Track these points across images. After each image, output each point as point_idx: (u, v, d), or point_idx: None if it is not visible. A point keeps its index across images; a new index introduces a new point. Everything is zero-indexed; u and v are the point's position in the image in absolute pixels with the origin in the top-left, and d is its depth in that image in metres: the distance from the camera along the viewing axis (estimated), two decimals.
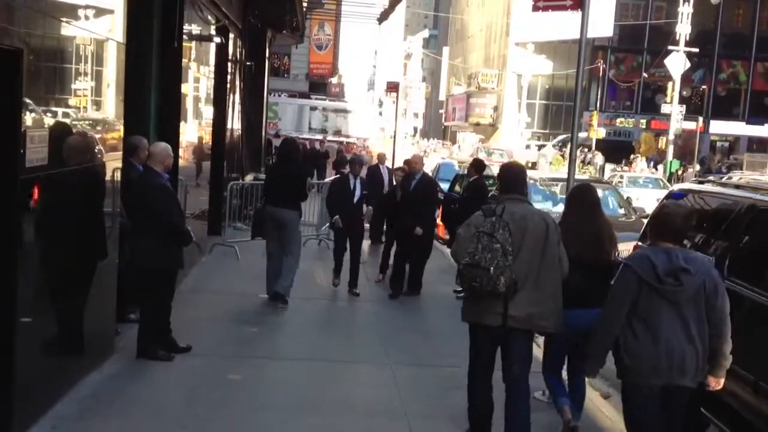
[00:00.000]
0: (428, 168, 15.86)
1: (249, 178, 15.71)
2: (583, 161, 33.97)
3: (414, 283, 10.25)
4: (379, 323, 8.66)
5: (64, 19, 5.49)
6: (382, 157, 14.71)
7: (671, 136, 36.44)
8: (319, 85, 43.94)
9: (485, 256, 4.70)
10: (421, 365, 7.19)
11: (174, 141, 8.53)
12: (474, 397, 5.16)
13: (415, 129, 77.23)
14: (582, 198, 5.70)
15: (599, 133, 41.27)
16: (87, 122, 6.23)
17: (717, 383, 4.46)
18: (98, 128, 6.46)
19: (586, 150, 37.81)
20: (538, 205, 12.04)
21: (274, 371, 6.79)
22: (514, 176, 5.23)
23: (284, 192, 8.89)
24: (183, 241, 6.69)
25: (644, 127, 48.30)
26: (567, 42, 41.57)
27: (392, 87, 27.95)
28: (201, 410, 5.76)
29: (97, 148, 6.26)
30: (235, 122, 14.64)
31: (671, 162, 35.10)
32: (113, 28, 6.63)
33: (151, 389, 6.07)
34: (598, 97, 50.22)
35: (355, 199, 9.76)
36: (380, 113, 54.76)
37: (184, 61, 9.84)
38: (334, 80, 45.20)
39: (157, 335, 6.75)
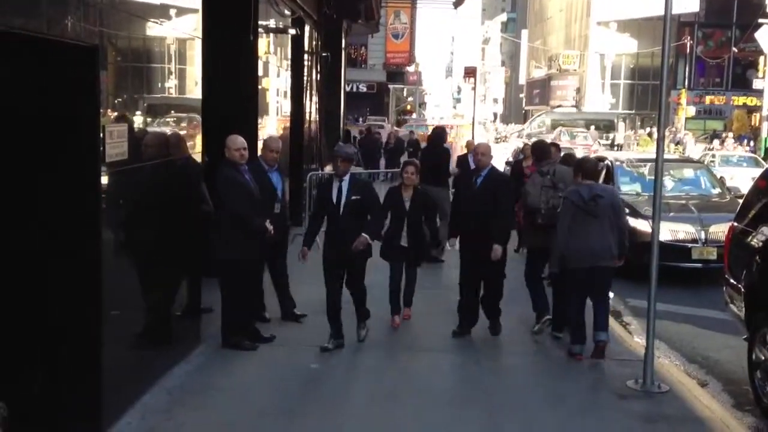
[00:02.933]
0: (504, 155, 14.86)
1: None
2: (674, 142, 32.79)
3: (490, 315, 7.48)
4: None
5: (140, 15, 5.55)
6: (471, 146, 13.04)
7: (765, 113, 34.74)
8: (396, 75, 43.79)
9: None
10: None
11: (252, 133, 8.60)
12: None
13: (495, 115, 76.31)
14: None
15: (688, 111, 39.78)
16: (166, 117, 6.31)
17: (619, 262, 6.85)
18: (177, 122, 6.54)
19: (674, 129, 36.51)
20: (625, 188, 11.79)
21: (356, 360, 6.75)
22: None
23: (433, 172, 10.43)
24: (254, 233, 6.65)
25: (736, 104, 46.26)
26: (652, 19, 40.16)
27: (470, 72, 27.61)
28: (285, 400, 5.76)
29: (176, 142, 6.34)
30: (312, 113, 14.71)
31: (766, 139, 33.49)
32: (190, 23, 6.68)
33: (236, 379, 6.11)
34: (686, 74, 48.36)
35: (341, 209, 6.68)
36: (458, 100, 54.26)
37: (261, 53, 9.90)
38: (411, 69, 44.98)
39: (241, 326, 6.80)
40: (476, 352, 7.08)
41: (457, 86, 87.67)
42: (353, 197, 6.66)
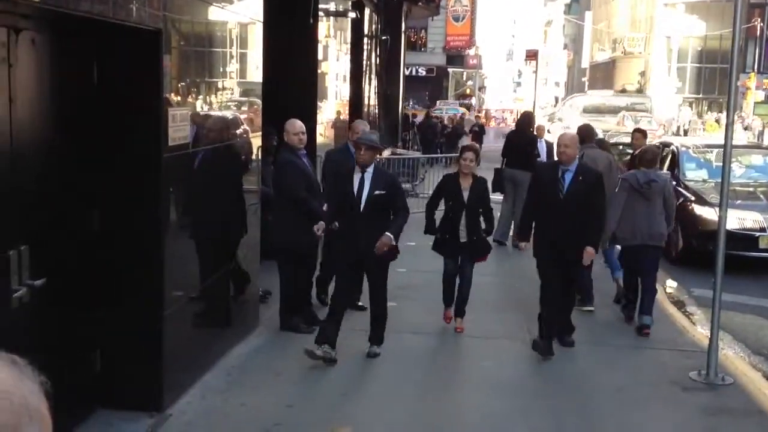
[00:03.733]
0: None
1: (386, 153, 15.75)
2: (742, 127, 31.74)
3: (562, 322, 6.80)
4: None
5: (205, 0, 5.60)
6: (542, 131, 13.39)
7: None
8: (456, 58, 43.44)
9: None
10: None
11: (311, 118, 8.63)
12: None
13: (556, 99, 75.08)
14: None
15: (757, 96, 38.42)
16: (228, 101, 6.37)
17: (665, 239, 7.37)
18: (237, 106, 6.60)
19: (743, 115, 35.33)
20: (690, 174, 11.46)
21: (415, 345, 6.73)
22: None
23: (519, 156, 10.83)
24: (311, 217, 6.66)
25: None
26: (721, 0, 38.83)
27: (531, 55, 27.23)
28: (341, 382, 5.80)
29: (238, 126, 6.40)
30: (371, 97, 14.69)
31: None
32: (252, 7, 6.72)
33: (293, 362, 6.17)
34: (756, 58, 46.65)
35: (362, 205, 6.00)
36: (518, 83, 53.55)
37: (321, 37, 9.91)
38: (471, 52, 44.53)
39: (298, 308, 6.86)
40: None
41: (518, 70, 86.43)
42: (377, 192, 5.91)
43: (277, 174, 6.74)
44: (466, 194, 6.87)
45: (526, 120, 12.19)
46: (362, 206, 5.93)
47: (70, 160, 4.41)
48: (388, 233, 5.92)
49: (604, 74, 64.12)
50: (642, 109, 34.13)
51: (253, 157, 6.77)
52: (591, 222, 6.41)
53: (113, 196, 4.71)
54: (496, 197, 9.98)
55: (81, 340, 4.64)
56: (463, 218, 6.85)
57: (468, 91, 51.15)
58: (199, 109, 5.53)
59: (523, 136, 11.52)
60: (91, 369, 4.78)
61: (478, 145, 8.18)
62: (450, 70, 44.77)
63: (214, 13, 5.85)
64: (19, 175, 3.85)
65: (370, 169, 5.95)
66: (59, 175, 4.32)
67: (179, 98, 5.11)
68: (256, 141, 6.86)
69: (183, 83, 5.26)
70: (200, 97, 5.66)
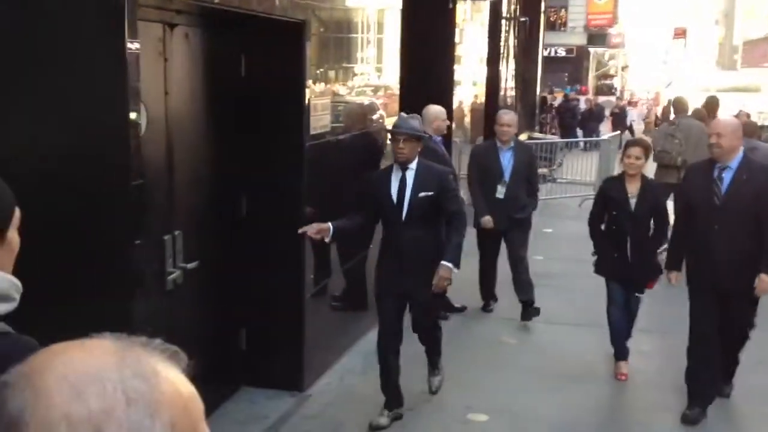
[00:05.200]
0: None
1: (523, 137, 15.46)
2: None
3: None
4: None
5: None
6: (713, 108, 9.62)
7: None
8: (597, 37, 41.93)
9: None
10: None
11: (448, 103, 8.58)
12: None
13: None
14: None
15: None
16: (365, 88, 6.46)
17: None
18: (375, 93, 6.68)
19: None
20: None
21: (551, 336, 6.61)
22: None
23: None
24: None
25: None
26: None
27: (680, 33, 25.76)
28: (476, 371, 5.78)
29: (375, 112, 6.48)
30: (508, 81, 14.45)
31: None
32: None
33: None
34: None
35: (404, 212, 4.66)
36: (665, 62, 51.04)
37: (459, 21, 9.83)
38: (614, 31, 42.87)
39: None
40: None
41: (665, 48, 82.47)
42: (422, 194, 4.61)
43: None
44: (633, 202, 5.48)
45: (709, 106, 9.73)
46: (404, 214, 4.64)
47: (219, 149, 4.62)
48: (445, 263, 4.56)
49: (759, 51, 59.95)
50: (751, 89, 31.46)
51: (388, 143, 6.83)
52: (765, 237, 4.72)
53: (258, 183, 4.89)
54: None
55: (228, 321, 4.87)
56: (629, 231, 5.50)
57: (612, 71, 49.32)
58: (338, 97, 5.63)
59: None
60: (236, 348, 5.01)
61: (647, 139, 6.12)
62: (591, 49, 43.27)
63: (354, 2, 5.92)
64: (174, 164, 4.06)
65: (413, 166, 4.65)
66: (210, 164, 4.53)
67: (320, 87, 5.23)
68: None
69: (324, 72, 5.38)
70: (340, 85, 5.77)
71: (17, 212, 1.55)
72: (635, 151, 5.52)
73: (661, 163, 8.88)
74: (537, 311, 6.78)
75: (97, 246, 2.63)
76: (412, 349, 5.13)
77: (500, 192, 6.75)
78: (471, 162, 7.13)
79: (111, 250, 2.66)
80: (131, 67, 2.69)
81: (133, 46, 2.73)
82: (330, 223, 4.49)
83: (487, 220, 6.79)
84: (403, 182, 4.64)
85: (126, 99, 2.64)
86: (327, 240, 4.51)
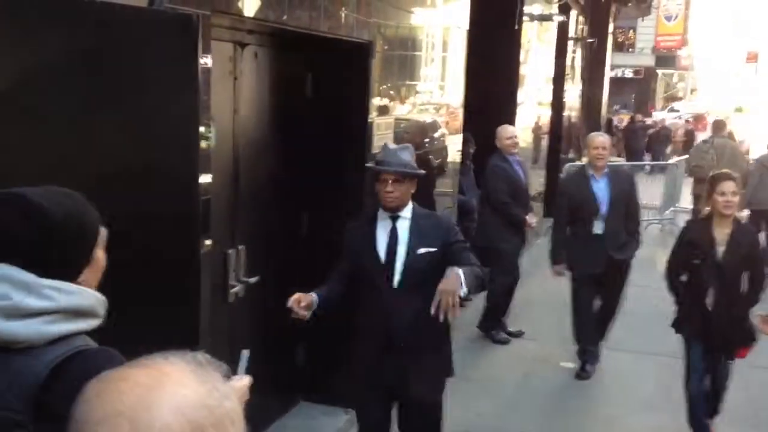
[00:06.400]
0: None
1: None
2: None
3: None
4: None
5: (410, 9, 5.74)
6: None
7: None
8: (666, 59, 41.21)
9: None
10: None
11: (511, 123, 8.54)
12: None
13: None
14: None
15: None
16: (428, 107, 6.48)
17: None
18: (438, 111, 6.70)
19: None
20: None
21: (611, 363, 6.48)
22: None
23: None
24: (512, 223, 6.68)
25: None
26: None
27: (752, 57, 25.10)
28: (533, 394, 5.72)
29: (436, 131, 6.50)
30: (573, 101, 14.32)
31: None
32: (457, 14, 6.79)
33: (485, 368, 6.18)
34: None
35: (396, 277, 3.53)
36: (734, 86, 49.78)
37: (524, 42, 9.80)
38: (683, 53, 42.05)
39: (494, 314, 6.86)
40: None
41: (736, 72, 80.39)
42: (421, 250, 3.48)
43: (484, 178, 6.83)
44: (721, 250, 4.57)
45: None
46: (397, 278, 3.48)
47: (283, 167, 4.69)
48: (458, 269, 3.28)
49: None
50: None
51: (449, 161, 6.86)
52: None
53: (320, 201, 4.95)
54: None
55: (287, 335, 4.92)
56: (714, 286, 4.59)
57: (680, 94, 48.35)
58: (401, 116, 5.67)
59: None
60: (295, 363, 5.06)
61: (734, 173, 4.62)
62: (659, 71, 42.53)
63: (420, 23, 5.97)
64: (239, 180, 4.15)
65: (405, 213, 3.54)
66: (273, 181, 4.61)
67: (383, 106, 5.27)
68: (455, 146, 6.94)
69: (387, 90, 5.42)
70: (402, 104, 5.80)
71: (103, 231, 1.62)
72: (729, 186, 4.53)
73: (696, 176, 10.36)
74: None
75: (163, 258, 2.71)
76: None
77: (598, 226, 5.89)
78: (560, 196, 6.31)
79: (177, 262, 2.73)
80: (203, 85, 2.77)
81: (205, 64, 2.81)
82: (314, 295, 3.43)
83: (559, 270, 6.19)
84: (394, 235, 3.52)
85: (198, 116, 2.72)
86: (307, 316, 3.41)
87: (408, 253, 3.49)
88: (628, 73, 37.89)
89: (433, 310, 3.12)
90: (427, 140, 6.27)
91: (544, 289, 8.16)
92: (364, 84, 4.84)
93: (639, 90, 39.07)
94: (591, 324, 6.18)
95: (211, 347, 2.52)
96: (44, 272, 1.49)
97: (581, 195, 5.98)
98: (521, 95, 9.87)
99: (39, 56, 2.37)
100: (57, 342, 1.46)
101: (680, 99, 46.09)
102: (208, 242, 3.06)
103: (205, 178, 2.91)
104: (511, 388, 5.84)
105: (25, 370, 1.42)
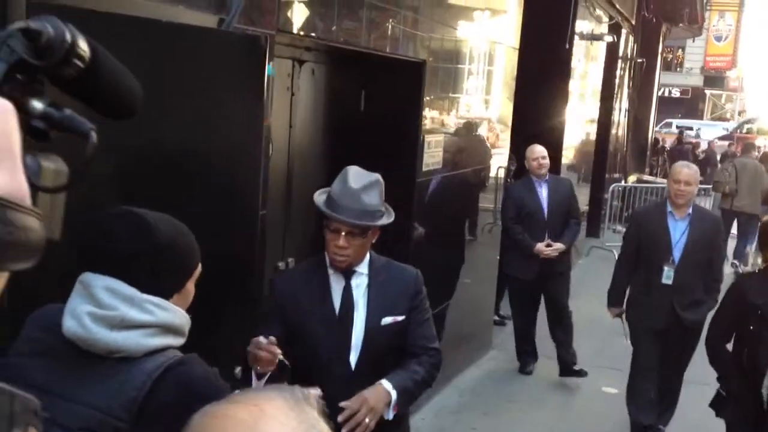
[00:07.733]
0: None
1: (632, 179, 15.11)
2: None
3: None
4: None
5: (462, 29, 5.76)
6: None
7: None
8: (714, 80, 40.63)
9: None
10: None
11: (559, 143, 8.52)
12: None
13: None
14: None
15: None
16: (477, 125, 6.50)
17: None
18: (490, 132, 6.71)
19: None
20: None
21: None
22: None
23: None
24: (519, 248, 6.29)
25: None
26: None
27: None
28: (573, 419, 5.67)
29: (484, 151, 6.51)
30: (621, 121, 14.20)
31: None
32: (508, 33, 6.79)
33: (525, 389, 6.14)
34: None
35: (355, 353, 2.64)
36: None
37: (574, 61, 9.77)
38: (732, 74, 41.39)
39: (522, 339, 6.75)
40: None
41: None
42: (387, 319, 2.68)
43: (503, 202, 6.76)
44: None
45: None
46: (355, 355, 2.64)
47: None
48: (386, 382, 2.58)
49: None
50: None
51: (492, 177, 6.85)
52: None
53: None
54: None
55: None
56: None
57: (728, 115, 47.57)
58: (450, 133, 5.69)
59: None
60: None
61: None
62: (707, 91, 41.93)
63: (471, 43, 5.99)
64: (292, 193, 4.21)
65: (362, 269, 2.73)
66: None
67: (434, 125, 5.30)
68: (499, 163, 6.94)
69: (438, 110, 5.45)
70: (452, 123, 5.82)
71: (199, 267, 1.71)
72: None
73: (717, 191, 11.28)
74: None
75: (221, 272, 2.76)
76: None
77: (667, 276, 4.91)
78: (630, 234, 5.30)
79: (235, 276, 2.78)
80: (266, 102, 2.83)
81: (268, 81, 2.86)
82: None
83: (616, 312, 5.41)
84: (348, 296, 2.67)
85: (260, 133, 2.77)
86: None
87: (369, 322, 2.62)
88: (675, 93, 37.44)
89: (340, 419, 2.36)
90: (473, 162, 6.27)
91: (586, 312, 8.09)
92: (417, 101, 4.88)
93: (686, 110, 38.56)
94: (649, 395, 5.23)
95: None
96: (142, 288, 1.57)
97: (655, 235, 4.93)
98: (569, 113, 9.83)
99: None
100: (153, 354, 1.54)
101: (728, 120, 45.36)
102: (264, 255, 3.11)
103: (264, 193, 2.97)
104: (550, 410, 5.80)
105: (127, 379, 1.51)
